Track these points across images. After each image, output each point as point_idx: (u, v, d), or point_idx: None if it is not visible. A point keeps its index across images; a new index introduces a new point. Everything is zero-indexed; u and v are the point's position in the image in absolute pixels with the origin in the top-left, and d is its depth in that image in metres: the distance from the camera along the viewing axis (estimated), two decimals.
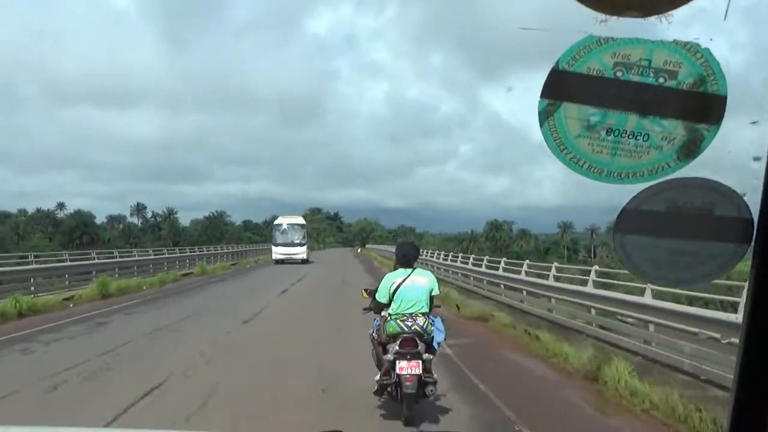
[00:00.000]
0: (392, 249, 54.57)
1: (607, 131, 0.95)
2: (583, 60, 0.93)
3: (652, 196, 0.96)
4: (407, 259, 6.16)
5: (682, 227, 0.96)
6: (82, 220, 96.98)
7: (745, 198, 0.94)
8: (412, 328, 5.81)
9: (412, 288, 5.96)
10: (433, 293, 6.08)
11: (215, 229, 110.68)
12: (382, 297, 6.07)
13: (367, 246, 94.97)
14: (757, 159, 0.92)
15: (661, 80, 0.93)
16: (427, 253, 41.09)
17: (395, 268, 6.30)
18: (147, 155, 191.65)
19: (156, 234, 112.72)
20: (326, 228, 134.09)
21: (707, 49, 0.92)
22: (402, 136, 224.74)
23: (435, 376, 5.91)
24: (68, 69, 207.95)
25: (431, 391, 5.82)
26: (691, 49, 0.92)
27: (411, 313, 5.88)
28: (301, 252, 41.40)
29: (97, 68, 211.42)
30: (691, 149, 0.94)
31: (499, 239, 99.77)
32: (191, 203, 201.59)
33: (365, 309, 6.85)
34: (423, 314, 5.91)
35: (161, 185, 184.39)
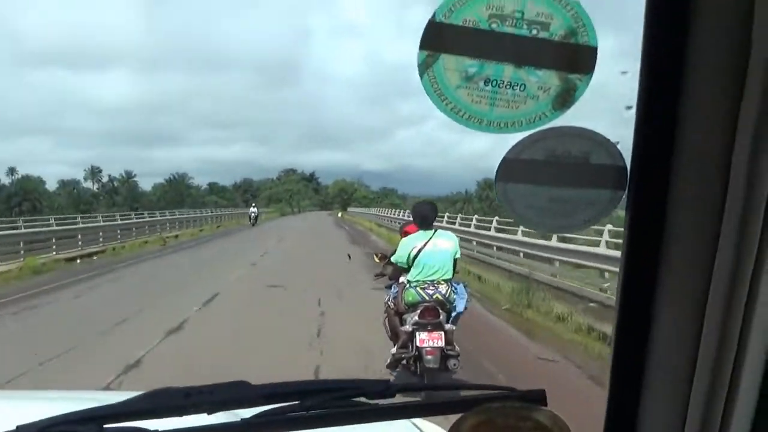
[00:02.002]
0: (380, 213, 54.84)
1: (485, 82, 1.08)
2: (459, 11, 1.06)
3: (531, 144, 1.10)
4: (427, 220, 6.13)
5: (561, 175, 1.10)
6: (22, 186, 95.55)
7: (618, 146, 1.09)
8: (434, 296, 5.80)
9: (434, 252, 5.92)
10: (456, 257, 6.06)
11: (176, 193, 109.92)
12: (400, 261, 6.08)
13: (348, 209, 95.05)
14: (629, 108, 1.06)
15: (534, 32, 1.06)
16: (408, 214, 41.43)
17: (403, 235, 6.34)
18: (121, 119, 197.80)
19: (111, 199, 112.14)
20: (301, 190, 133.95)
21: (577, 2, 1.06)
22: (380, 97, 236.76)
23: (457, 348, 5.93)
24: (34, 28, 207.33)
25: (454, 365, 5.84)
26: (562, 1, 1.06)
27: (432, 280, 5.86)
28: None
29: (65, 27, 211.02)
30: (565, 99, 1.08)
31: (493, 200, 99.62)
32: (166, 168, 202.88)
33: (377, 275, 6.95)
34: (445, 281, 5.90)
35: (136, 150, 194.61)
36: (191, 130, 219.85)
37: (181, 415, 1.11)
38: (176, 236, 37.48)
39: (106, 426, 1.08)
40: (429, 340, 5.70)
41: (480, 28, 1.06)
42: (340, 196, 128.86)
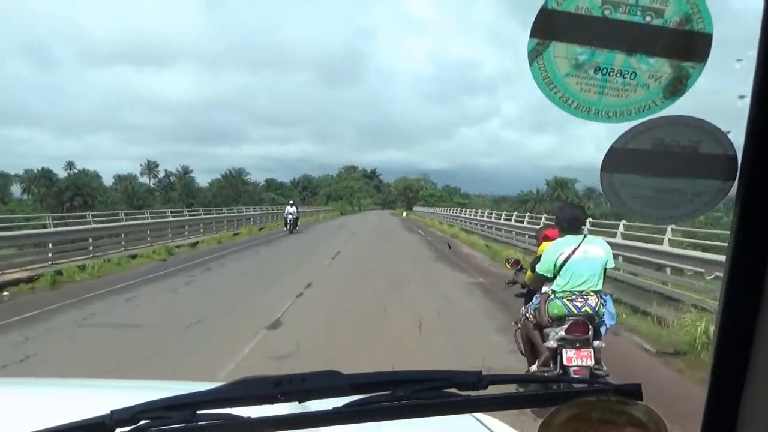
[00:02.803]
0: (450, 213, 52.31)
1: (595, 70, 1.13)
2: None
3: (639, 134, 1.14)
4: (576, 224, 5.77)
5: (669, 165, 1.14)
6: (73, 181, 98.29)
7: (730, 135, 1.12)
8: (583, 309, 5.48)
9: (584, 260, 5.58)
10: (608, 266, 5.71)
11: (231, 189, 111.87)
12: (545, 270, 5.70)
13: (414, 209, 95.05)
14: (741, 97, 1.09)
15: (648, 18, 1.10)
16: (479, 213, 40.98)
17: (543, 240, 6.00)
18: (182, 116, 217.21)
19: (167, 195, 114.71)
20: (362, 187, 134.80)
21: None
22: (443, 95, 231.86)
23: (605, 368, 5.58)
24: (102, 28, 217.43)
25: None
26: None
27: (581, 291, 5.53)
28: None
29: (131, 26, 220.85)
30: (677, 87, 1.12)
31: (565, 199, 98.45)
32: (224, 165, 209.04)
33: (508, 283, 6.68)
34: (595, 293, 5.57)
35: (195, 146, 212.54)
36: (251, 127, 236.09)
37: (271, 403, 1.15)
38: (195, 244, 29.97)
39: (198, 412, 1.13)
40: (577, 359, 5.41)
41: (592, 14, 1.10)
42: (404, 194, 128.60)
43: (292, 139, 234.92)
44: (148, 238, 27.17)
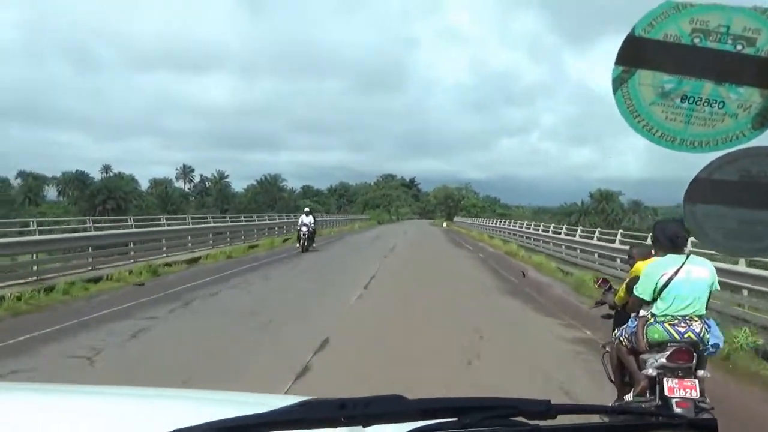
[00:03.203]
0: (497, 225, 51.25)
1: (682, 98, 1.13)
2: (660, 26, 1.11)
3: (725, 164, 1.14)
4: (679, 242, 5.44)
5: (755, 197, 1.13)
6: (106, 185, 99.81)
7: None
8: (686, 335, 5.17)
9: (688, 282, 5.26)
10: (713, 289, 5.39)
11: (267, 195, 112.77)
12: (644, 292, 5.39)
13: (455, 219, 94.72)
14: None
15: (739, 47, 1.10)
16: (532, 226, 40.22)
17: (635, 262, 5.77)
18: (220, 121, 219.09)
19: (201, 200, 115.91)
20: (400, 196, 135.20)
21: None
22: (483, 105, 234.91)
23: (708, 400, 5.22)
24: (144, 32, 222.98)
25: None
26: None
27: (684, 316, 5.24)
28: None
29: (171, 31, 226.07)
30: (767, 117, 1.12)
31: (610, 212, 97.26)
32: (261, 171, 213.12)
33: (597, 303, 6.43)
34: (699, 317, 5.26)
35: (233, 152, 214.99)
36: (288, 134, 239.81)
37: (334, 427, 1.13)
38: (196, 260, 24.56)
39: None
40: (680, 389, 5.08)
41: (681, 42, 1.10)
42: (444, 203, 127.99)
43: (329, 147, 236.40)
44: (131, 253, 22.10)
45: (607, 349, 6.08)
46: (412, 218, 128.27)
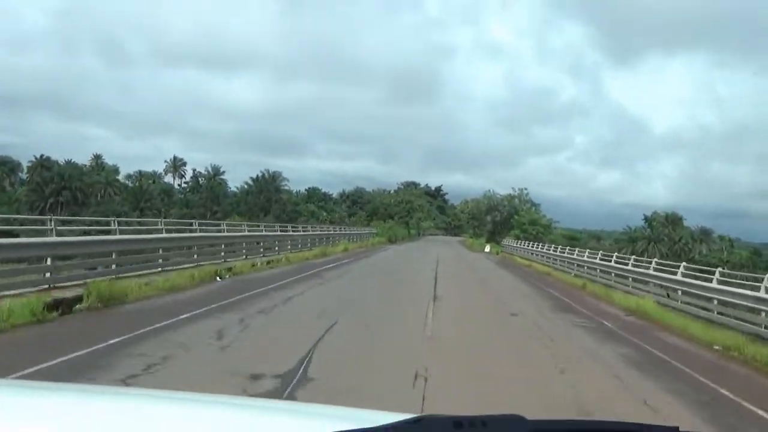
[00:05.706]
0: (550, 252, 35.03)
1: None
2: None
3: None
4: None
5: None
6: (59, 172, 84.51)
7: None
8: None
9: None
10: None
11: (262, 196, 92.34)
12: None
13: (503, 243, 70.38)
14: None
15: None
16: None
17: None
18: (247, 124, 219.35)
19: (185, 199, 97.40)
20: (423, 206, 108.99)
21: None
22: (515, 122, 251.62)
23: None
24: (177, 29, 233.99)
25: None
26: None
27: None
28: None
29: (203, 28, 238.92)
30: None
31: (678, 240, 78.83)
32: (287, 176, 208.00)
33: None
34: None
35: (257, 156, 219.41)
36: (314, 140, 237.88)
37: None
38: None
39: None
40: None
41: None
42: (480, 218, 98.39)
43: (356, 156, 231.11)
44: None
45: None
46: (436, 234, 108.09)
